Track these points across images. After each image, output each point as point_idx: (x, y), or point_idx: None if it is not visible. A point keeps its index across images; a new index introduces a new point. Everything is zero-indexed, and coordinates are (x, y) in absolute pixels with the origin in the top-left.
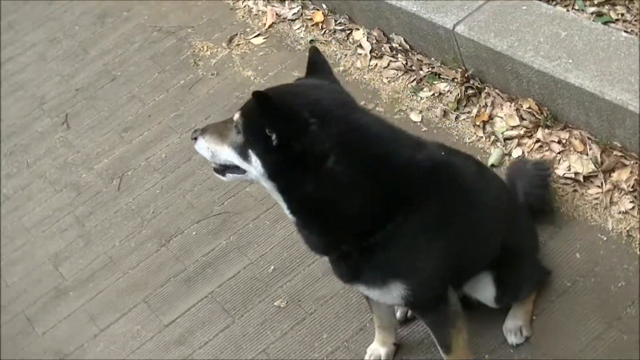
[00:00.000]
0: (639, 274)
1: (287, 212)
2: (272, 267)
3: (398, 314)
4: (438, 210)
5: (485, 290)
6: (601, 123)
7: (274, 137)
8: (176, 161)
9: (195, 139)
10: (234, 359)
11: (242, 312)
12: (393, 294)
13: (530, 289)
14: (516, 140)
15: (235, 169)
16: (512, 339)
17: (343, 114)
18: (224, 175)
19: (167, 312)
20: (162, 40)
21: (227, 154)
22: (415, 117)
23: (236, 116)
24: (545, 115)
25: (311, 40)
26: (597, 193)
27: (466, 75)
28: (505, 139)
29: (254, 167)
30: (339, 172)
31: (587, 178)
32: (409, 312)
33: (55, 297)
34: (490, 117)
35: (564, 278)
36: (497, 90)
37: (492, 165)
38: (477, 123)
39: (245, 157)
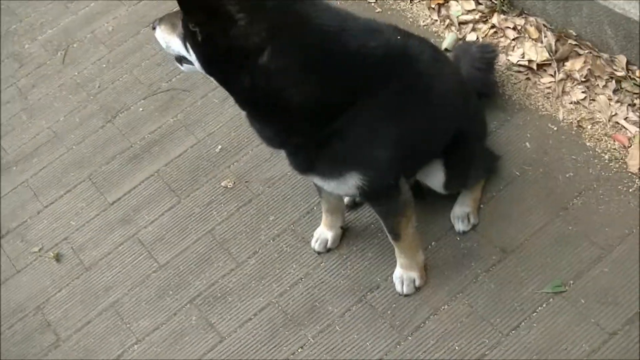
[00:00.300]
0: (586, 165)
1: (232, 101)
2: (220, 147)
3: (346, 199)
4: (393, 97)
5: (435, 176)
6: (557, 10)
7: (197, 31)
8: (123, 35)
9: (154, 28)
10: (179, 239)
11: (189, 192)
12: (349, 185)
13: (478, 176)
14: (471, 25)
15: (186, 59)
16: (459, 226)
17: (279, 5)
18: (181, 64)
19: (112, 190)
20: None
21: (176, 45)
22: None
23: (178, 7)
24: (502, 0)
25: None
26: (549, 82)
27: None
28: (460, 23)
29: (193, 59)
30: (277, 66)
31: (541, 66)
32: (357, 198)
33: None
34: (446, 0)
35: (513, 167)
36: None
37: (446, 49)
38: (432, 6)
39: (186, 49)
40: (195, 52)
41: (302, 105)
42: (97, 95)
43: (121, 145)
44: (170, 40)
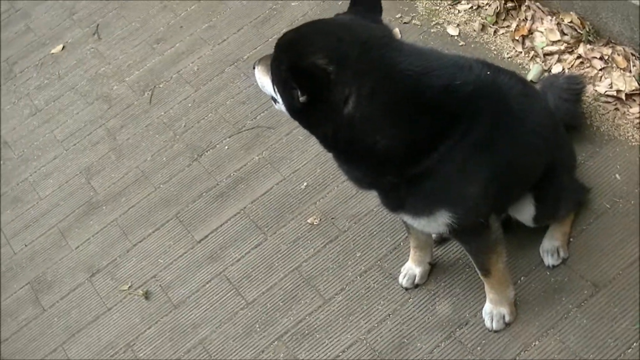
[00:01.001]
0: None
1: (321, 147)
2: (305, 184)
3: (434, 235)
4: (484, 133)
5: (524, 211)
6: None
7: (298, 93)
8: (208, 74)
9: (254, 67)
10: (266, 276)
11: (275, 229)
12: (438, 222)
13: (568, 208)
14: (556, 56)
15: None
16: (549, 260)
17: (364, 54)
18: (275, 103)
19: (199, 228)
20: None
21: (269, 87)
22: (452, 31)
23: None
24: (588, 29)
25: None
26: (639, 112)
27: None
28: (545, 55)
29: (280, 104)
30: (362, 114)
31: (630, 96)
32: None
33: (87, 211)
34: (530, 32)
35: (603, 199)
36: (537, 4)
37: (531, 81)
38: (516, 38)
39: (275, 92)
40: (282, 97)
41: (389, 149)
42: (183, 135)
43: (207, 183)
44: (264, 82)
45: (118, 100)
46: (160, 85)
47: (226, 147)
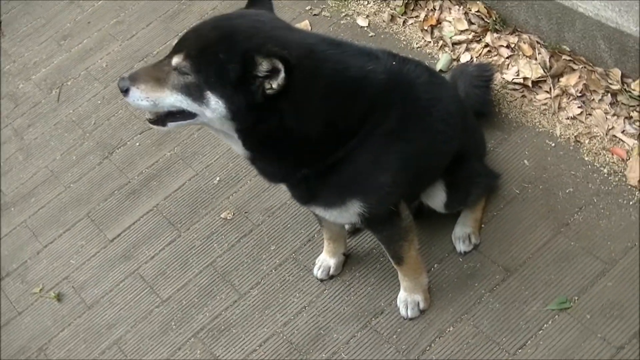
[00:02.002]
0: (586, 179)
1: (239, 149)
2: (218, 178)
3: (347, 226)
4: (395, 123)
5: (436, 197)
6: (550, 26)
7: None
8: (117, 70)
9: (127, 90)
10: (180, 273)
11: (188, 225)
12: (350, 212)
13: (479, 194)
14: (464, 45)
15: (179, 114)
16: (461, 247)
17: (297, 43)
18: (164, 124)
19: (111, 226)
20: None
21: (174, 99)
22: (362, 22)
23: (178, 59)
24: (494, 19)
25: None
26: (545, 99)
27: None
28: (453, 44)
29: (212, 109)
30: (301, 101)
31: (536, 83)
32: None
33: None
34: (439, 22)
35: (513, 185)
36: None
37: (441, 70)
38: (425, 28)
39: (199, 99)
40: (226, 98)
41: (315, 135)
42: (93, 132)
43: (119, 181)
44: (160, 97)
45: (24, 98)
46: (68, 83)
47: (137, 144)
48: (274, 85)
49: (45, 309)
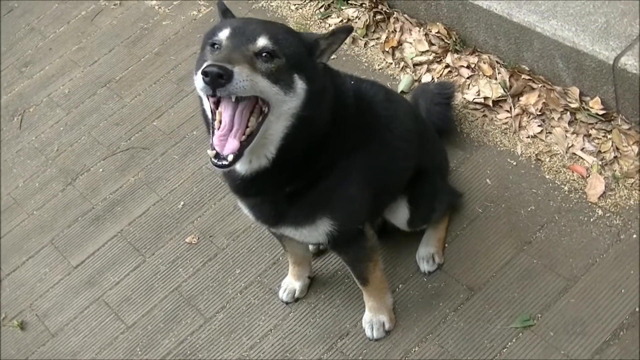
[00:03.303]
0: (547, 197)
1: (263, 161)
2: (182, 203)
3: (311, 247)
4: (358, 140)
5: (399, 213)
6: (509, 46)
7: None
8: (80, 96)
9: (230, 73)
10: (145, 298)
11: (153, 250)
12: (319, 231)
13: (441, 211)
14: (426, 66)
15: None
16: (425, 267)
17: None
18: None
19: (75, 253)
20: None
21: (265, 84)
22: None
23: (264, 42)
24: (454, 39)
25: None
26: (506, 118)
27: (374, 0)
28: (414, 65)
29: (297, 93)
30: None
31: (496, 103)
32: (321, 246)
33: None
34: (400, 43)
35: (475, 204)
36: (405, 15)
37: (402, 92)
38: (387, 49)
39: (286, 84)
40: (308, 77)
41: (319, 147)
42: (55, 159)
43: (82, 207)
44: (256, 79)
45: None
46: (30, 110)
47: (101, 170)
48: (328, 56)
49: (9, 338)
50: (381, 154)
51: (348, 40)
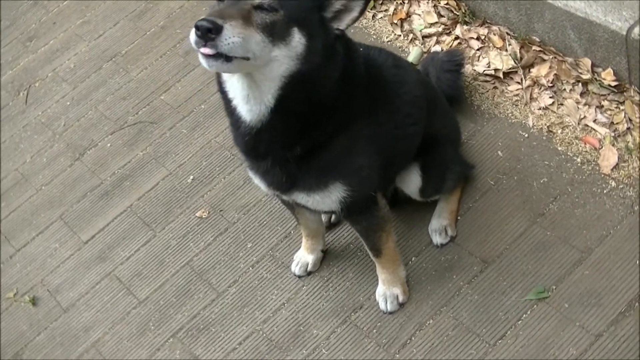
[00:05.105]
0: (560, 169)
1: (260, 107)
2: (192, 177)
3: (324, 217)
4: (367, 106)
5: (411, 181)
6: (520, 17)
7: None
8: (86, 70)
9: (219, 27)
10: (157, 273)
11: (163, 225)
12: (332, 198)
13: (454, 182)
14: (435, 38)
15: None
16: (437, 239)
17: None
18: (229, 60)
19: (85, 228)
20: None
21: (255, 38)
22: None
23: None
24: (464, 11)
25: None
26: (517, 89)
27: None
28: (423, 37)
29: (292, 46)
30: (341, 59)
31: (507, 74)
32: (333, 218)
33: None
34: (408, 15)
35: (487, 176)
36: None
37: (412, 63)
38: (395, 21)
39: (282, 37)
40: (310, 36)
41: (329, 102)
42: (63, 134)
43: (91, 182)
44: (248, 36)
45: None
46: (36, 84)
47: (109, 145)
48: (347, 22)
49: (21, 314)
50: (390, 120)
51: None
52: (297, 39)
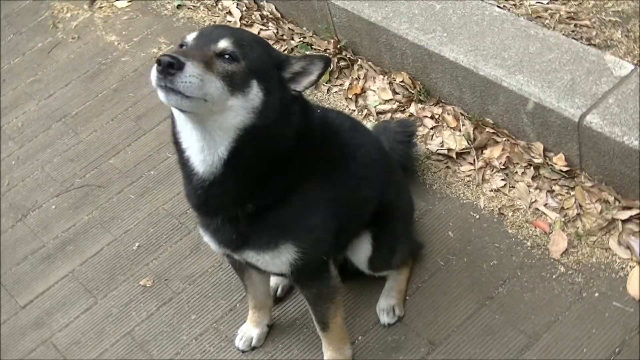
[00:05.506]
0: (510, 252)
1: (213, 159)
2: (137, 244)
3: (272, 282)
4: (324, 167)
5: (361, 251)
6: (474, 99)
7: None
8: (33, 130)
9: (181, 64)
10: (96, 342)
11: (106, 292)
12: (282, 259)
13: (403, 255)
14: (389, 115)
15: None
16: (385, 319)
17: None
18: (188, 98)
19: (23, 292)
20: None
21: (215, 83)
22: None
23: (226, 44)
24: (419, 89)
25: (178, 6)
26: (469, 170)
27: (339, 46)
28: (378, 113)
29: (250, 98)
30: (297, 118)
31: (460, 154)
32: (279, 291)
33: None
34: (363, 90)
35: (437, 256)
36: (370, 63)
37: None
38: (350, 96)
39: (240, 88)
40: (267, 90)
41: (285, 158)
42: (6, 194)
43: (33, 245)
44: (207, 79)
45: None
46: None
47: (53, 207)
48: (304, 84)
49: None
50: (346, 182)
51: None
52: (255, 92)
